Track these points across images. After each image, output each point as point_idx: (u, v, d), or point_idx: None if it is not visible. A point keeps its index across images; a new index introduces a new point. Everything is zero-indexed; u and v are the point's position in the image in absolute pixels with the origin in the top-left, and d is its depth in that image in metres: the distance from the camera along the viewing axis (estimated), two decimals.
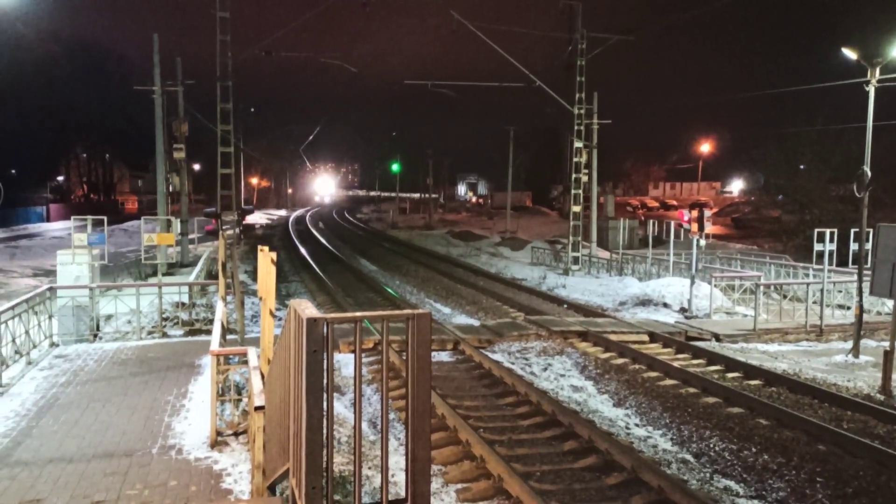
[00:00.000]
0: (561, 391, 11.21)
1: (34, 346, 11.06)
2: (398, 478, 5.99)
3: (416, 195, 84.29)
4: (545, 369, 12.54)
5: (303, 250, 36.60)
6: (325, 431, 3.05)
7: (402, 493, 3.29)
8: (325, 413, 3.05)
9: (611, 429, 9.39)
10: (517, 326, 15.72)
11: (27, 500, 5.91)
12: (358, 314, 3.12)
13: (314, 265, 28.47)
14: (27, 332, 10.72)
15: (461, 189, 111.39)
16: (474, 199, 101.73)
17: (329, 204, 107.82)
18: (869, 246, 14.52)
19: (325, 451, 3.05)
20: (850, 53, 14.64)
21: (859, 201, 14.38)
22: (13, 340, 10.18)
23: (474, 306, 19.78)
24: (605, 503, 7.09)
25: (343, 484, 6.83)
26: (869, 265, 13.80)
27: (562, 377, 12.08)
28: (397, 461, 6.41)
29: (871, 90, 14.36)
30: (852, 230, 15.86)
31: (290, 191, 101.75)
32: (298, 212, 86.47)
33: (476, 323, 16.78)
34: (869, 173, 13.99)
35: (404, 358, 3.27)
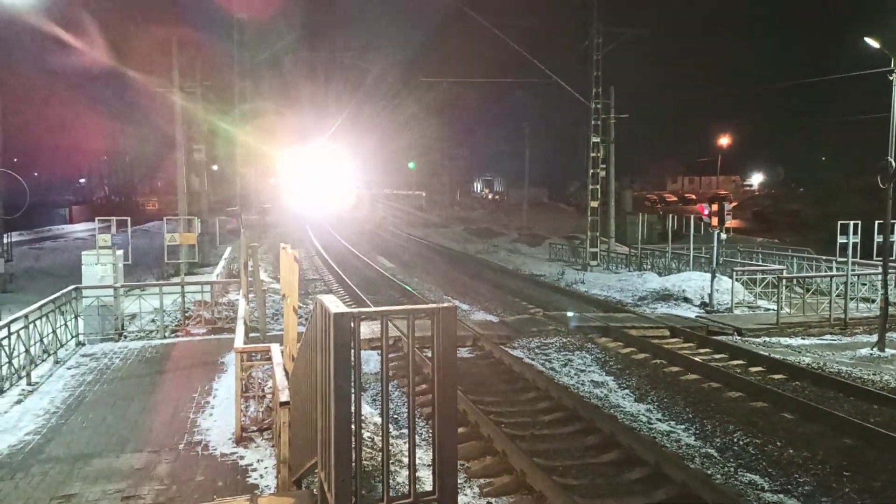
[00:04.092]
0: (582, 386, 11.18)
1: (61, 345, 11.27)
2: (420, 473, 6.03)
3: (434, 193, 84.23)
4: (565, 365, 12.52)
5: (320, 247, 36.79)
6: (353, 425, 3.09)
7: (427, 488, 3.31)
8: (352, 407, 3.09)
9: (633, 424, 9.35)
10: (536, 322, 15.69)
11: (59, 496, 6.03)
12: (384, 309, 3.15)
13: (332, 263, 28.63)
14: (54, 332, 10.93)
15: (477, 186, 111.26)
16: (490, 196, 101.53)
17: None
18: (894, 238, 14.29)
19: (353, 444, 3.09)
20: (872, 43, 14.41)
21: (883, 193, 14.16)
22: (41, 340, 10.38)
23: (493, 303, 19.78)
24: (629, 497, 7.08)
25: (367, 479, 6.87)
26: (894, 257, 13.60)
27: (582, 372, 12.06)
28: (420, 456, 6.44)
29: (895, 80, 14.13)
30: (876, 222, 15.63)
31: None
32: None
33: (495, 319, 16.79)
34: (894, 164, 13.77)
35: (427, 355, 3.29)
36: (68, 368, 10.41)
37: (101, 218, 14.12)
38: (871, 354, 13.44)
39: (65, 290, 11.93)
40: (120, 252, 14.30)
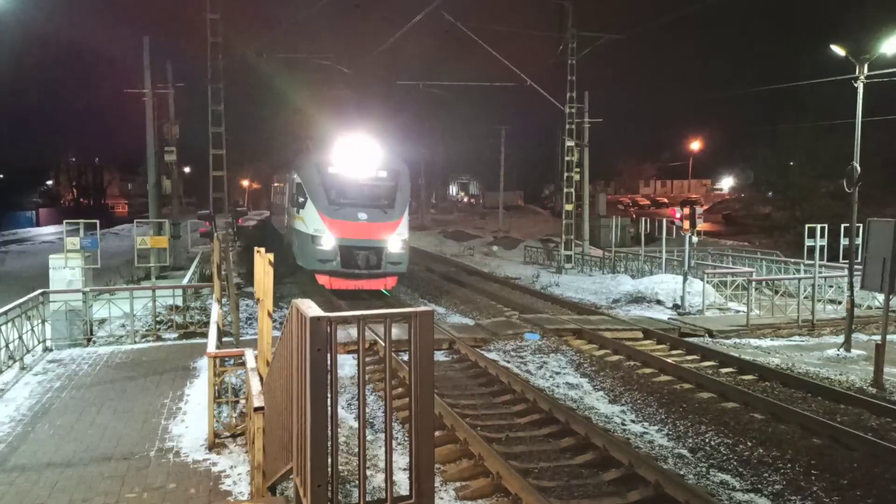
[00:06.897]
0: (557, 389, 11.24)
1: (28, 351, 11.01)
2: (396, 476, 6.00)
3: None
4: (540, 367, 12.57)
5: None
6: (329, 429, 3.07)
7: (403, 491, 3.31)
8: (328, 411, 3.07)
9: (607, 425, 9.43)
10: (512, 325, 15.74)
11: None
12: (360, 313, 3.13)
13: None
14: (20, 337, 10.67)
15: (453, 189, 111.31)
16: (466, 199, 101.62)
17: None
18: (859, 241, 14.65)
19: (329, 449, 3.07)
20: (838, 50, 14.75)
21: (849, 197, 14.50)
22: (7, 345, 10.13)
23: (468, 305, 19.80)
24: (604, 498, 7.13)
25: (343, 484, 6.83)
26: (860, 260, 13.93)
27: (557, 375, 12.12)
28: (395, 460, 6.41)
29: (860, 86, 14.48)
30: (843, 225, 16.00)
31: None
32: None
33: (471, 322, 16.80)
34: (858, 169, 14.12)
35: (403, 359, 3.28)
36: (35, 375, 10.17)
37: (69, 221, 13.84)
38: (838, 355, 13.75)
39: (32, 295, 11.67)
40: (89, 255, 14.05)
